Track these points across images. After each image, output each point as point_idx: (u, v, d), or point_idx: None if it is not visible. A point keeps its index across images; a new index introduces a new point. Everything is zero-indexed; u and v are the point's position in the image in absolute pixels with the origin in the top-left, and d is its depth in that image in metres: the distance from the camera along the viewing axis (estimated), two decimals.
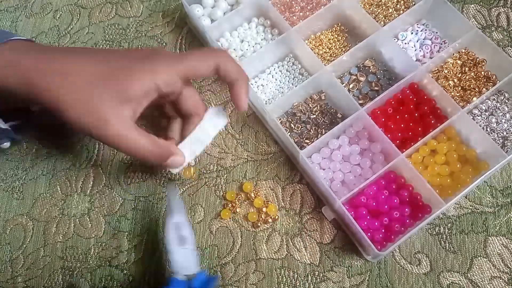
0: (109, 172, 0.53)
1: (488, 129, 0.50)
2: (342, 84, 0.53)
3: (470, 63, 0.52)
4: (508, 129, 0.50)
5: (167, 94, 0.41)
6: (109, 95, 0.38)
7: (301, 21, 0.53)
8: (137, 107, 0.39)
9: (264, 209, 0.49)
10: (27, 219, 0.52)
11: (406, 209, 0.45)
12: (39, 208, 0.52)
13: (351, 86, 0.54)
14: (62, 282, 0.49)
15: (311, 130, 0.52)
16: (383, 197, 0.46)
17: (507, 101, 0.51)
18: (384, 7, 0.56)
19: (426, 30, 0.55)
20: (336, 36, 0.56)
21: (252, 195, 0.50)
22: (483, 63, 0.52)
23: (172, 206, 0.43)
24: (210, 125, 0.45)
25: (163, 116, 0.49)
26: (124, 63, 0.39)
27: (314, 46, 0.55)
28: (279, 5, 0.56)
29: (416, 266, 0.47)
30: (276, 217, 0.49)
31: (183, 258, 0.41)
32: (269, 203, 0.50)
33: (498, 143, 0.49)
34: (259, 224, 0.49)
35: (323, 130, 0.51)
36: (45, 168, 0.54)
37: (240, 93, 0.43)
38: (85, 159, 0.54)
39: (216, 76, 0.56)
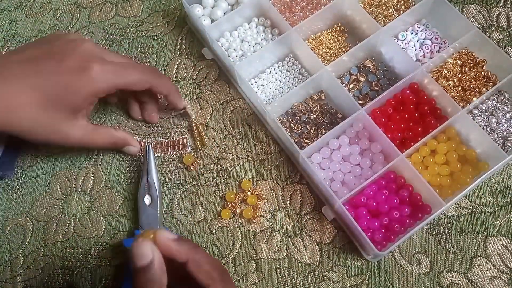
0: (109, 171, 0.53)
1: (488, 129, 0.50)
2: (342, 84, 0.53)
3: (470, 63, 0.52)
4: (508, 129, 0.50)
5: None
6: (60, 114, 0.43)
7: (301, 21, 0.53)
8: (86, 111, 0.47)
9: (259, 206, 0.50)
10: (27, 218, 0.52)
11: (406, 209, 0.45)
12: (39, 207, 0.52)
13: (351, 86, 0.54)
14: (62, 282, 0.49)
15: (311, 130, 0.52)
16: (383, 197, 0.46)
17: (507, 101, 0.51)
18: (384, 7, 0.56)
19: (426, 30, 0.55)
20: (336, 36, 0.56)
21: (249, 193, 0.50)
22: (483, 63, 0.52)
23: (146, 167, 0.50)
24: None
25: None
26: (61, 81, 0.43)
27: (314, 46, 0.55)
28: (279, 5, 0.56)
29: (416, 266, 0.47)
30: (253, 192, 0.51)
31: (147, 216, 0.49)
32: (245, 179, 0.51)
33: (498, 143, 0.49)
34: (254, 221, 0.49)
35: (323, 130, 0.51)
36: (44, 167, 0.54)
37: (174, 102, 0.51)
38: (85, 159, 0.54)
39: (216, 78, 0.57)
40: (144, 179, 0.49)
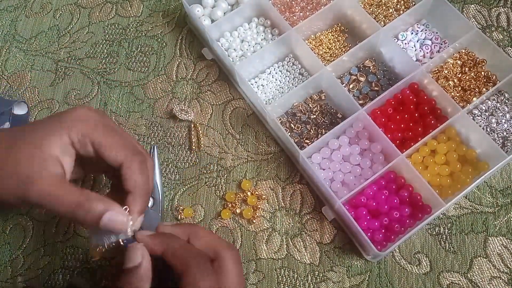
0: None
1: (488, 129, 0.50)
2: (342, 84, 0.53)
3: (470, 63, 0.52)
4: (508, 129, 0.50)
5: (84, 155, 0.37)
6: (28, 158, 0.35)
7: (301, 21, 0.53)
8: (63, 159, 0.36)
9: (259, 206, 0.50)
10: (27, 218, 0.52)
11: (406, 209, 0.46)
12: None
13: (351, 86, 0.54)
14: (62, 282, 0.49)
15: (311, 130, 0.52)
16: (383, 197, 0.46)
17: (507, 101, 0.51)
18: (384, 7, 0.56)
19: (426, 30, 0.55)
20: (336, 36, 0.56)
21: (249, 193, 0.50)
22: (483, 63, 0.52)
23: None
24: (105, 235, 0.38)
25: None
26: (34, 129, 0.37)
27: (314, 46, 0.55)
28: (279, 5, 0.56)
29: (416, 266, 0.47)
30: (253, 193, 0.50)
31: (149, 218, 0.43)
32: (245, 179, 0.51)
33: (498, 143, 0.49)
34: (254, 221, 0.49)
35: (323, 130, 0.51)
36: None
37: (131, 208, 0.37)
38: None
39: (216, 78, 0.56)
40: None
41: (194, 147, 0.53)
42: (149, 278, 0.34)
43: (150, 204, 0.47)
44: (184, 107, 0.54)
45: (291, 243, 0.49)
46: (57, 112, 0.40)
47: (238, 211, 0.50)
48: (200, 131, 0.54)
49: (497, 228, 0.47)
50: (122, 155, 0.37)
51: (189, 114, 0.54)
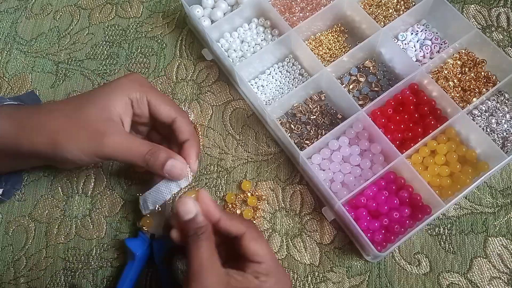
0: (110, 173, 0.53)
1: (488, 129, 0.50)
2: (342, 84, 0.53)
3: (470, 63, 0.52)
4: (508, 129, 0.50)
5: (138, 114, 0.45)
6: (97, 116, 0.41)
7: (301, 21, 0.53)
8: (124, 119, 0.43)
9: (259, 207, 0.50)
10: (29, 220, 0.52)
11: (406, 210, 0.46)
12: (41, 209, 0.52)
13: (351, 86, 0.54)
14: (64, 283, 0.49)
15: (311, 131, 0.52)
16: (383, 198, 0.46)
17: (507, 102, 0.51)
18: (384, 8, 0.56)
19: (426, 30, 0.55)
20: (336, 36, 0.56)
21: (249, 194, 0.50)
22: (483, 64, 0.52)
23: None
24: (166, 189, 0.45)
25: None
26: (97, 92, 0.43)
27: (314, 47, 0.55)
28: (279, 6, 0.56)
29: (416, 266, 0.47)
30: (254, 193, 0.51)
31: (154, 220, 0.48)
32: (245, 180, 0.51)
33: (498, 143, 0.49)
34: (254, 221, 0.50)
35: (323, 131, 0.51)
36: (46, 169, 0.54)
37: (190, 153, 0.44)
38: None
39: (216, 79, 0.57)
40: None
41: None
42: (208, 222, 0.38)
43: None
44: (184, 108, 0.54)
45: (291, 243, 0.49)
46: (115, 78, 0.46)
47: (238, 211, 0.50)
48: (200, 132, 0.54)
49: (497, 228, 0.48)
50: (175, 110, 0.44)
51: (189, 115, 0.54)
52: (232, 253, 0.40)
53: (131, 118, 0.44)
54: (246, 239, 0.38)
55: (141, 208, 0.46)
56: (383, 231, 0.46)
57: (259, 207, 0.50)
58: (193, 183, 0.52)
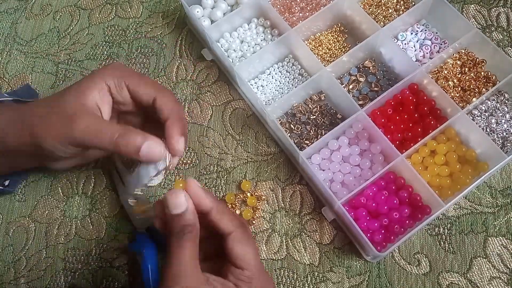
0: (110, 174, 0.53)
1: (487, 129, 0.50)
2: (342, 84, 0.53)
3: (470, 63, 0.52)
4: (507, 129, 0.50)
5: (120, 102, 0.44)
6: (71, 103, 0.41)
7: (300, 21, 0.53)
8: (101, 106, 0.42)
9: (259, 207, 0.50)
10: (29, 221, 0.52)
11: (406, 210, 0.46)
12: (41, 210, 0.53)
13: (350, 86, 0.54)
14: (64, 284, 0.50)
15: (311, 131, 0.52)
16: (382, 198, 0.47)
17: (507, 102, 0.51)
18: (384, 8, 0.56)
19: (426, 30, 0.55)
20: (335, 36, 0.56)
21: (249, 194, 0.50)
22: (483, 64, 0.52)
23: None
24: (145, 171, 0.42)
25: None
26: (78, 81, 0.43)
27: (313, 47, 0.55)
28: (278, 6, 0.56)
29: (416, 266, 0.47)
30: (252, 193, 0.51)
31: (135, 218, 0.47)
32: (245, 180, 0.51)
33: (497, 143, 0.49)
34: (254, 222, 0.50)
35: (323, 131, 0.51)
36: (46, 170, 0.54)
37: (172, 132, 0.41)
38: None
39: (216, 79, 0.56)
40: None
41: None
42: (197, 217, 0.36)
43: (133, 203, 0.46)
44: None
45: (290, 243, 0.49)
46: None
47: (238, 212, 0.50)
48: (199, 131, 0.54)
49: (497, 228, 0.48)
50: (154, 90, 0.42)
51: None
52: (220, 249, 0.37)
53: (110, 105, 0.43)
54: (232, 240, 0.36)
55: (129, 201, 0.45)
56: (383, 231, 0.46)
57: (259, 207, 0.50)
58: None
